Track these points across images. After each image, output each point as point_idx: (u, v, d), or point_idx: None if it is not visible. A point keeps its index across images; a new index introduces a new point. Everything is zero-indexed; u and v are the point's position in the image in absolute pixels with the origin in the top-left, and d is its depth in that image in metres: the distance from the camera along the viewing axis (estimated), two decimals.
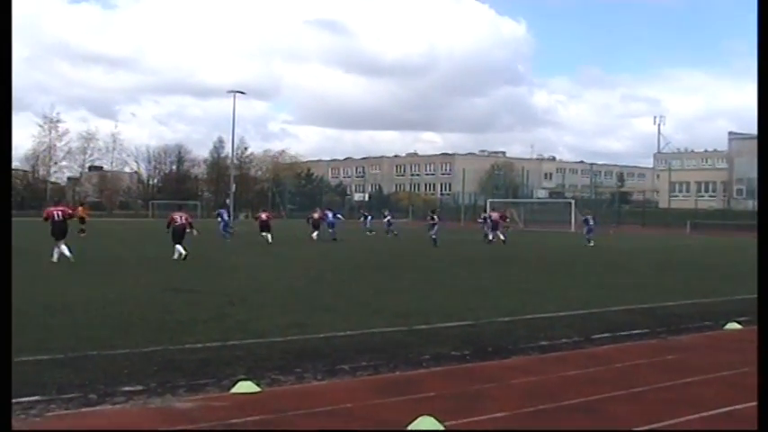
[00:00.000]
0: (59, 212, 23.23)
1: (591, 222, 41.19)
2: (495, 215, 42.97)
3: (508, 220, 52.87)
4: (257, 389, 7.23)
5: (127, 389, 7.21)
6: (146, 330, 10.50)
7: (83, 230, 39.45)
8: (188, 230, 25.40)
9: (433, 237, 36.84)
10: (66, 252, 22.06)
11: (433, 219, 38.84)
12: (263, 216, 38.48)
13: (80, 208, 45.82)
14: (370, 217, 53.59)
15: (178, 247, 24.36)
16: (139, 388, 7.24)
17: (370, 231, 49.79)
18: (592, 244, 38.97)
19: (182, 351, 9.04)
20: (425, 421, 6.00)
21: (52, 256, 22.00)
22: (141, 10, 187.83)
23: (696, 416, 6.50)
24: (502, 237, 39.74)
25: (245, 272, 20.79)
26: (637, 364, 8.77)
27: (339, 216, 46.21)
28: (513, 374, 8.06)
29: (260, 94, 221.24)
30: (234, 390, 7.17)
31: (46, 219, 23.11)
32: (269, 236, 36.06)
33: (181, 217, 25.68)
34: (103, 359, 8.48)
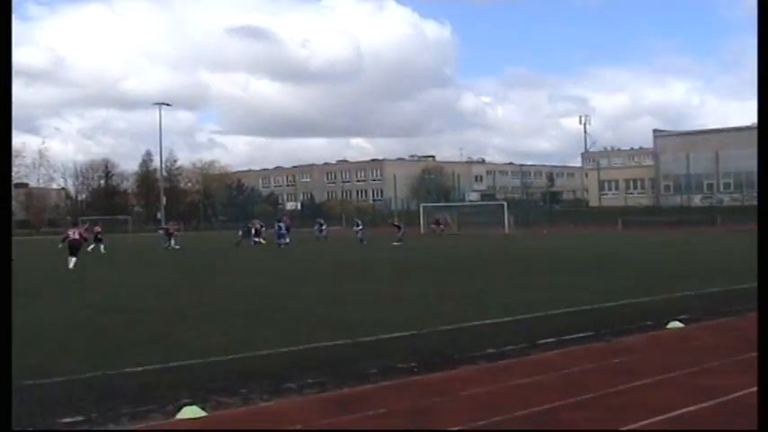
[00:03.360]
0: None
1: (283, 228, 46.71)
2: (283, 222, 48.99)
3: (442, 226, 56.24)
4: (203, 413, 7.01)
5: (67, 420, 6.95)
6: (83, 356, 10.16)
7: None
8: (83, 244, 28.89)
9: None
10: None
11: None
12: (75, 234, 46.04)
13: None
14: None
15: (71, 258, 27.42)
16: (80, 418, 6.98)
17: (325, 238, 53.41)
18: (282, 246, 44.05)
19: (122, 376, 8.75)
20: None
21: None
22: (59, 21, 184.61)
23: (647, 421, 6.47)
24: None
25: (182, 288, 20.40)
26: (584, 369, 8.75)
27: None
28: (462, 386, 7.94)
29: (186, 104, 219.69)
30: (179, 416, 6.94)
31: None
32: (101, 246, 42.46)
33: (74, 232, 28.99)
34: (40, 389, 8.14)
